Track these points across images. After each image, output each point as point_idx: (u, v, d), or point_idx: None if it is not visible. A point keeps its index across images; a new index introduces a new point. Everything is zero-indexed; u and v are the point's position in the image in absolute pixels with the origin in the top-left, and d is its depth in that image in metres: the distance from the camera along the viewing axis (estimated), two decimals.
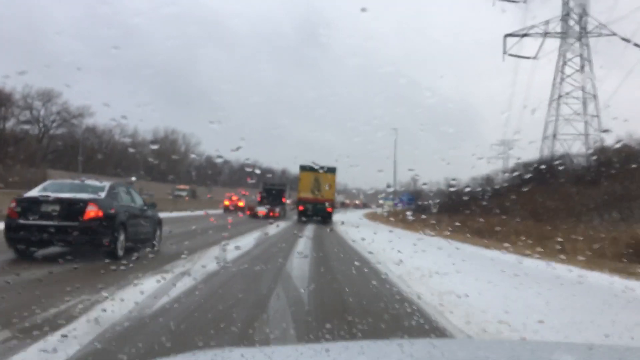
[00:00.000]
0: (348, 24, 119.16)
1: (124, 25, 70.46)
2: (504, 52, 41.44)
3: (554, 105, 43.15)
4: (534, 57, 40.95)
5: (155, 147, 50.94)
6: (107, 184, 8.62)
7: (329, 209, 28.41)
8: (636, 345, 3.60)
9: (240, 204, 30.71)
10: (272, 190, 31.76)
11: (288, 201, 33.13)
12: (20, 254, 7.80)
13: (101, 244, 7.76)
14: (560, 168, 29.32)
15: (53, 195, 7.71)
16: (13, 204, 7.75)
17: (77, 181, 8.79)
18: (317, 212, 26.85)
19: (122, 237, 8.27)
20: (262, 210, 29.35)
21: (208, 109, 79.05)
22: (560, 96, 41.89)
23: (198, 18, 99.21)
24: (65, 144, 52.76)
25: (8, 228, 7.59)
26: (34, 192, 8.05)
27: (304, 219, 27.16)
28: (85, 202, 7.71)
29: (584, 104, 41.67)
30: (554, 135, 42.69)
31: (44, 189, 8.11)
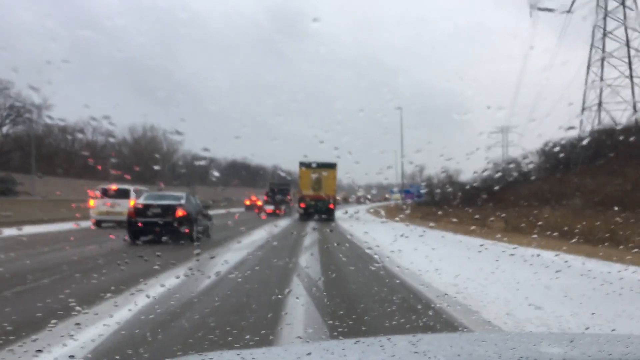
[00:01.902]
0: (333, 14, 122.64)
1: (97, 23, 72.70)
2: (532, 6, 36.50)
3: (593, 69, 36.99)
4: (568, 11, 36.00)
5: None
6: (183, 194, 13.82)
7: (331, 205, 28.61)
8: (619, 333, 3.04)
9: (259, 203, 35.62)
10: (278, 190, 35.85)
11: (292, 199, 37.50)
12: (136, 239, 13.05)
13: (185, 232, 12.78)
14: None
15: (156, 202, 12.78)
16: (132, 209, 12.80)
17: (166, 192, 13.92)
18: (319, 209, 27.50)
19: (195, 228, 13.29)
20: (269, 208, 33.44)
21: (189, 104, 79.35)
22: (603, 57, 35.92)
23: (173, 14, 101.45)
24: (21, 143, 48.93)
25: (129, 223, 12.65)
26: (142, 201, 13.14)
27: (305, 216, 28.12)
28: (175, 207, 12.84)
29: (630, 64, 35.39)
30: (599, 104, 36.57)
31: (147, 198, 13.21)
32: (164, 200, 13.75)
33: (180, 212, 13.29)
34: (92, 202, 18.00)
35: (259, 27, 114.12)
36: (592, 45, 36.94)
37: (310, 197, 28.43)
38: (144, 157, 63.64)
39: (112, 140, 51.17)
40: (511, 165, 27.61)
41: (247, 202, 41.17)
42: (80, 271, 8.40)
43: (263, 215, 28.30)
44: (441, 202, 26.30)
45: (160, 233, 12.65)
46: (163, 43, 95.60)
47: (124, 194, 17.57)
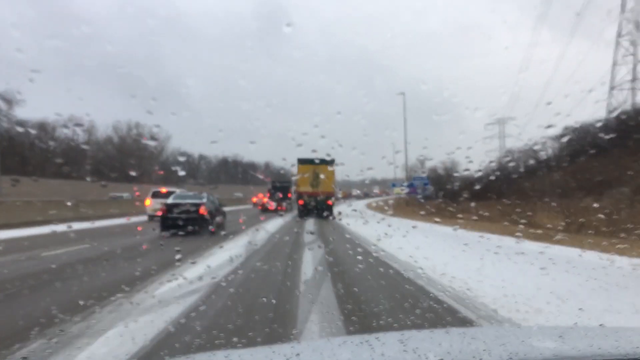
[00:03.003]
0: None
1: (83, 22, 75.85)
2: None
3: (623, 43, 33.77)
4: None
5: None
6: (205, 194, 16.75)
7: (330, 202, 28.84)
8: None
9: (265, 200, 38.27)
10: (279, 187, 38.06)
11: (293, 196, 39.72)
12: (167, 231, 16.22)
13: (206, 225, 15.77)
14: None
15: (183, 201, 15.80)
16: (163, 207, 15.77)
17: (189, 192, 16.99)
18: (318, 206, 27.78)
19: (213, 222, 16.27)
20: (271, 205, 35.77)
21: (175, 102, 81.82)
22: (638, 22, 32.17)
23: (158, 12, 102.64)
24: None
25: (163, 219, 15.65)
26: (171, 200, 16.14)
27: (304, 213, 28.51)
28: (199, 204, 15.87)
29: None
30: (633, 80, 33.25)
31: (176, 198, 16.24)
32: (189, 200, 16.79)
33: (202, 209, 16.35)
34: (148, 202, 21.24)
35: (244, 22, 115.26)
36: (622, 16, 34.39)
37: (308, 194, 28.74)
38: (131, 155, 64.42)
39: (85, 147, 50.58)
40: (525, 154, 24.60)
41: (254, 200, 44.25)
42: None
43: (262, 217, 29.04)
44: (452, 197, 23.74)
45: (186, 226, 15.66)
46: (146, 42, 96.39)
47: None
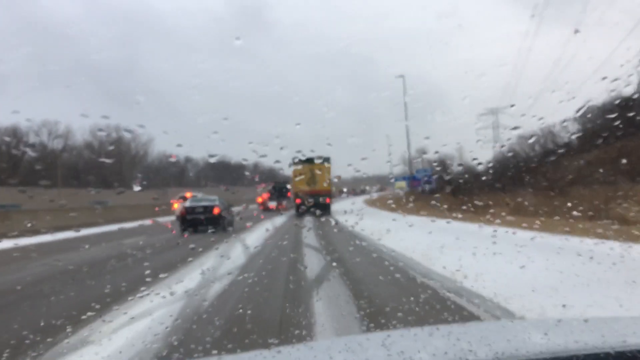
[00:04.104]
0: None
1: (55, 27, 77.35)
2: None
3: None
4: None
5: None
6: (216, 197, 19.65)
7: (327, 200, 29.91)
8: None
9: (265, 199, 40.67)
10: (279, 188, 40.96)
11: (292, 196, 42.17)
12: (187, 231, 19.01)
13: (220, 223, 18.72)
14: None
15: (199, 204, 18.74)
16: (183, 209, 18.70)
17: (204, 196, 19.94)
18: (315, 204, 28.70)
19: (226, 221, 19.17)
20: (272, 204, 38.71)
21: (156, 105, 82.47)
22: None
23: (133, 14, 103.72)
24: None
25: (182, 220, 18.64)
26: (188, 204, 19.09)
27: (301, 212, 29.30)
28: (213, 206, 18.87)
29: None
30: None
31: (192, 201, 19.20)
32: (204, 202, 19.78)
33: (216, 210, 19.31)
34: (176, 205, 24.17)
35: (221, 20, 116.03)
36: None
37: (305, 192, 29.85)
38: (114, 159, 61.99)
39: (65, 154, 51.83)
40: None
41: (260, 200, 46.88)
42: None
43: (262, 215, 29.98)
44: (463, 189, 23.24)
45: (202, 225, 18.59)
46: (124, 44, 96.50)
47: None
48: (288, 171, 30.30)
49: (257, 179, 52.08)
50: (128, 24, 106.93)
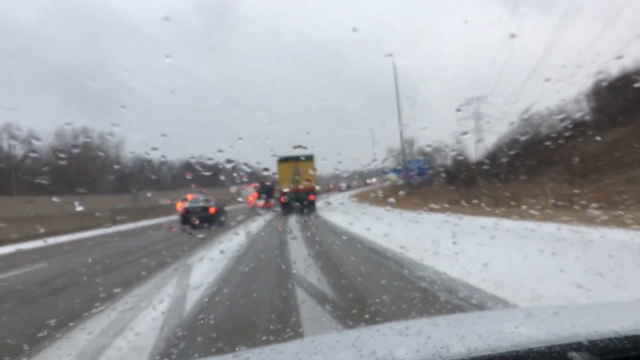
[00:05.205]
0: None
1: (17, 31, 76.98)
2: None
3: None
4: None
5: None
6: (213, 198, 22.74)
7: (312, 197, 30.64)
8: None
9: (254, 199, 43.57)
10: (266, 187, 43.76)
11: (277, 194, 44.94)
12: (187, 227, 21.98)
13: (216, 221, 21.90)
14: None
15: (197, 205, 21.88)
16: (183, 209, 21.81)
17: (202, 198, 23.02)
18: (300, 202, 29.40)
19: (221, 219, 22.30)
20: (260, 202, 41.62)
21: (127, 105, 77.59)
22: None
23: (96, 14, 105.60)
24: None
25: (183, 219, 21.75)
26: (188, 205, 22.19)
27: (287, 209, 30.14)
28: (209, 206, 21.95)
29: None
30: None
31: (192, 202, 22.30)
32: (202, 204, 22.90)
33: (212, 210, 22.43)
34: (179, 205, 27.07)
35: (187, 19, 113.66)
36: None
37: (290, 190, 30.05)
38: (82, 164, 58.64)
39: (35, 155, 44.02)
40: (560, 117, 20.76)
41: (250, 199, 49.64)
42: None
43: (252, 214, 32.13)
44: (462, 181, 20.68)
45: (201, 222, 21.67)
46: (91, 44, 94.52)
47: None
48: (273, 169, 29.98)
49: (245, 179, 54.49)
50: (94, 25, 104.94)
